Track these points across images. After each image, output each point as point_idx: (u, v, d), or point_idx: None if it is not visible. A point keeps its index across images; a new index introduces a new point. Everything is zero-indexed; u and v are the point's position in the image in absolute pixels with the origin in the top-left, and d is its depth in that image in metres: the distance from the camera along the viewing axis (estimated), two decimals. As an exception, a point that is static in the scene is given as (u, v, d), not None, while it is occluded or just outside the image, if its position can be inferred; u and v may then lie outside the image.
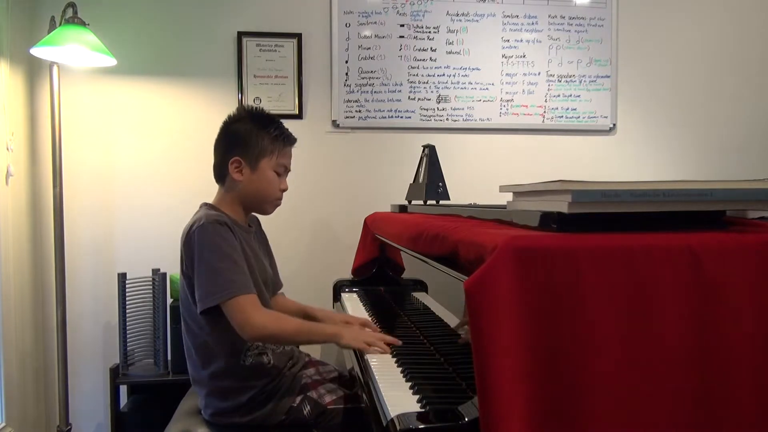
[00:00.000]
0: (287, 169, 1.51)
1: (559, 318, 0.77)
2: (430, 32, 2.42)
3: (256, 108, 1.50)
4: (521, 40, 2.46)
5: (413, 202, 2.09)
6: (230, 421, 1.37)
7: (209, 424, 1.39)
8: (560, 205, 0.85)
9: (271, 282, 1.56)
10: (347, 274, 2.16)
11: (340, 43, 2.37)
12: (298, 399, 1.41)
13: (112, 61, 1.98)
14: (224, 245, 1.30)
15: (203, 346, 1.37)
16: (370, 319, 1.61)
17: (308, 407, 1.40)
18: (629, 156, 2.57)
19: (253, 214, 1.57)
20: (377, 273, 2.11)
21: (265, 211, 1.54)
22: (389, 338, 1.32)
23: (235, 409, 1.36)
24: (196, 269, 1.30)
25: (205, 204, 1.46)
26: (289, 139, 1.49)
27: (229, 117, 1.49)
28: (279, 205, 1.52)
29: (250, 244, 1.46)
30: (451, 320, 1.31)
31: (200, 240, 1.30)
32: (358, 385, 1.36)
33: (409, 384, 1.05)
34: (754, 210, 1.03)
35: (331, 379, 1.57)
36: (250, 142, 1.43)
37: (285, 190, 1.50)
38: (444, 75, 2.43)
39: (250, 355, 1.38)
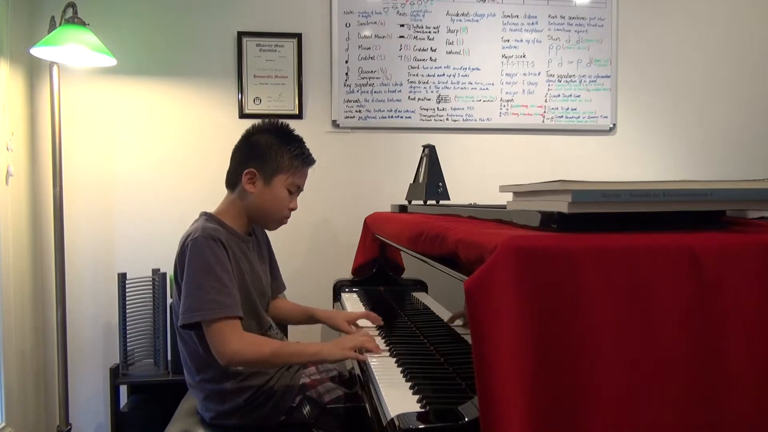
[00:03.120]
0: (300, 189, 1.49)
1: (559, 318, 0.77)
2: (430, 32, 2.42)
3: (281, 123, 1.48)
4: (521, 40, 2.46)
5: (413, 202, 2.09)
6: (230, 423, 1.37)
7: (209, 425, 1.39)
8: (560, 205, 0.85)
9: (267, 290, 1.55)
10: (347, 274, 2.16)
11: (340, 43, 2.37)
12: (298, 399, 1.41)
13: (112, 61, 1.98)
14: (214, 262, 1.28)
15: (195, 353, 1.36)
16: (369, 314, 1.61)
17: (308, 407, 1.40)
18: (629, 156, 2.57)
19: None
20: (377, 273, 2.11)
21: (269, 228, 1.53)
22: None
23: (234, 410, 1.36)
24: (184, 282, 1.29)
25: (205, 214, 1.43)
26: (308, 160, 1.48)
27: (253, 127, 1.47)
28: (285, 223, 1.50)
29: (246, 256, 1.44)
30: (451, 323, 1.30)
31: (191, 254, 1.28)
32: (357, 384, 1.36)
33: (409, 384, 1.06)
34: (754, 210, 1.03)
35: (331, 378, 1.57)
36: (269, 157, 1.41)
37: (294, 209, 1.48)
38: (444, 75, 2.43)
39: None
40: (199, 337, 1.32)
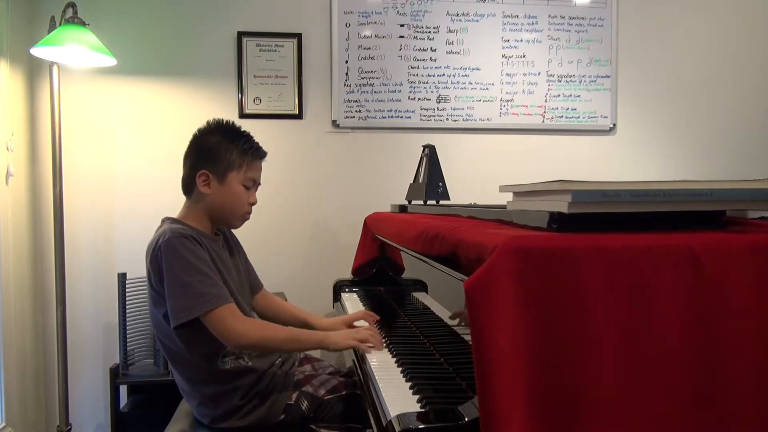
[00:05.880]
0: (257, 183, 1.48)
1: (559, 318, 0.77)
2: (430, 32, 2.42)
3: (226, 121, 1.47)
4: (521, 40, 2.46)
5: (413, 202, 2.09)
6: (229, 425, 1.36)
7: (208, 428, 1.39)
8: (560, 205, 0.85)
9: (245, 285, 1.54)
10: (347, 274, 2.16)
11: (340, 43, 2.37)
12: (294, 396, 1.41)
13: (112, 61, 1.98)
14: (192, 258, 1.28)
15: (180, 358, 1.36)
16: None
17: (305, 402, 1.40)
18: (629, 156, 2.57)
19: None
20: (377, 273, 2.11)
21: (233, 225, 1.52)
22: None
23: (230, 413, 1.36)
24: (166, 285, 1.28)
25: (168, 218, 1.43)
26: (259, 153, 1.47)
27: (200, 130, 1.47)
28: (247, 219, 1.49)
29: (218, 254, 1.43)
30: (451, 320, 1.31)
31: (167, 255, 1.27)
32: (354, 375, 1.36)
33: (409, 384, 1.06)
34: (754, 210, 1.03)
35: (328, 373, 1.56)
36: (219, 155, 1.40)
37: (254, 203, 1.47)
38: (444, 75, 2.43)
39: (227, 360, 1.36)
40: (181, 338, 1.32)
